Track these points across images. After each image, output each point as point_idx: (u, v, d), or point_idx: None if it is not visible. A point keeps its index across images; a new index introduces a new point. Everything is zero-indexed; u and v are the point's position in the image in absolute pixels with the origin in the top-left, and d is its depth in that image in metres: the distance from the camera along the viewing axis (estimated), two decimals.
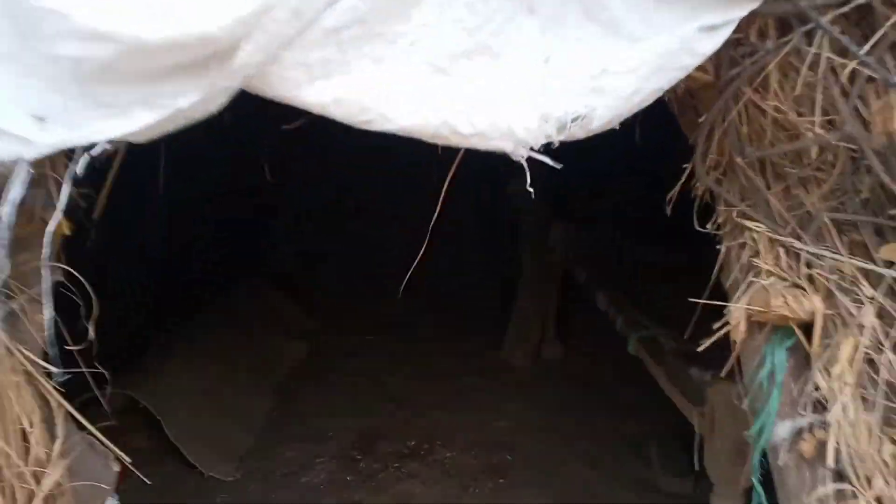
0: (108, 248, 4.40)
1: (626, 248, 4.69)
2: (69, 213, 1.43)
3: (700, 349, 1.65)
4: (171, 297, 5.29)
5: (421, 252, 1.85)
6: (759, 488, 1.60)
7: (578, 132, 1.34)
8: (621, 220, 4.88)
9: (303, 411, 4.31)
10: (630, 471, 3.71)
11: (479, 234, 6.95)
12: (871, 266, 1.45)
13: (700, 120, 1.62)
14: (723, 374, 1.70)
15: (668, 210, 1.77)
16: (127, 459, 1.52)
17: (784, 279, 1.51)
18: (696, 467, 2.62)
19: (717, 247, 1.71)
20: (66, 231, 1.40)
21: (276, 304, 5.58)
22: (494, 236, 6.98)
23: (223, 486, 3.53)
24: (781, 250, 1.53)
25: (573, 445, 3.95)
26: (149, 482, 3.49)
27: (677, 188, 1.74)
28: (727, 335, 1.64)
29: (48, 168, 1.36)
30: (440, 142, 1.26)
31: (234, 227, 6.24)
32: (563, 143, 1.39)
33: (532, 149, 1.22)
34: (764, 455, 1.59)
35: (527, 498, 3.47)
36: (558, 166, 1.24)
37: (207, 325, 4.65)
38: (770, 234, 1.53)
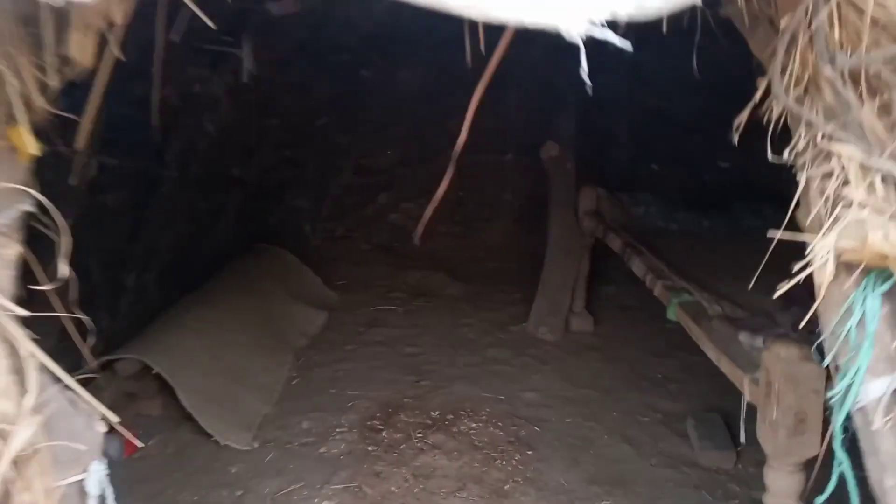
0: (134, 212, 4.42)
1: (662, 213, 4.45)
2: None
3: (775, 296, 1.42)
4: (190, 265, 5.17)
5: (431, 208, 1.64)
6: (844, 457, 1.39)
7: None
8: (658, 187, 4.65)
9: (322, 381, 4.16)
10: (665, 446, 3.51)
11: (510, 205, 6.76)
12: None
13: (781, 26, 1.39)
14: (800, 327, 1.47)
15: (735, 135, 1.53)
16: (114, 418, 1.33)
17: (880, 213, 1.28)
18: (742, 440, 2.42)
19: (794, 179, 1.48)
20: (34, 151, 1.21)
21: (295, 272, 5.41)
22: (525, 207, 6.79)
23: (239, 455, 3.39)
24: (878, 179, 1.30)
25: (603, 420, 3.75)
26: (163, 450, 3.52)
27: (747, 111, 1.51)
28: (790, 291, 1.42)
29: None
30: (477, 17, 1.04)
31: (256, 200, 6.08)
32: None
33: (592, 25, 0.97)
34: (847, 419, 1.38)
35: (556, 472, 3.28)
36: (628, 46, 1.01)
37: (223, 290, 4.49)
38: (863, 160, 1.30)
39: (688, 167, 6.01)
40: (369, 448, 3.44)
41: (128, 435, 1.62)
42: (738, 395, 4.00)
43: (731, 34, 1.73)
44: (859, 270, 1.33)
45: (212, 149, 4.73)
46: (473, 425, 3.63)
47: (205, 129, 4.48)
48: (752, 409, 3.73)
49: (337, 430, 3.60)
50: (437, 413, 3.76)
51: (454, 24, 1.12)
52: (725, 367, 2.40)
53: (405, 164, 6.74)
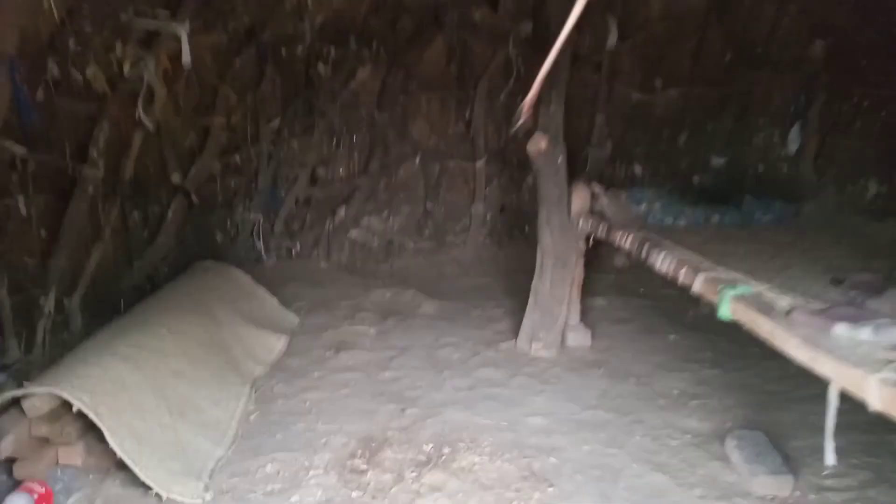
0: None
1: (669, 210, 3.99)
2: None
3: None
4: (121, 284, 4.41)
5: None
6: None
7: None
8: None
9: (287, 414, 3.47)
10: (706, 473, 2.95)
11: (482, 216, 6.21)
12: None
13: None
14: None
15: None
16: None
17: None
18: (831, 461, 1.90)
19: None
20: None
21: (248, 292, 4.71)
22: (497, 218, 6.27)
23: None
24: None
25: (626, 445, 3.18)
26: None
27: None
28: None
29: None
30: None
31: (201, 212, 5.36)
32: None
33: None
34: None
35: None
36: None
37: (163, 313, 3.76)
38: None
39: (671, 166, 5.60)
40: (353, 494, 2.77)
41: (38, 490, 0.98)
42: (777, 408, 3.59)
43: None
44: None
45: (147, 146, 4.03)
46: (477, 459, 3.01)
47: (136, 120, 3.79)
48: (804, 422, 3.27)
49: (310, 472, 2.92)
50: (430, 446, 3.12)
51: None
52: (829, 368, 1.87)
53: (366, 174, 6.14)
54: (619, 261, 6.02)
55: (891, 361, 1.71)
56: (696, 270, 2.74)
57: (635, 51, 5.32)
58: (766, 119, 4.69)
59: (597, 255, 4.34)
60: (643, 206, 4.08)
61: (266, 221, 6.05)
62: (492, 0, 5.47)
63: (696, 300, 5.13)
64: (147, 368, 3.13)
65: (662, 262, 3.03)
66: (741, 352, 4.17)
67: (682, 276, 2.81)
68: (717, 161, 5.06)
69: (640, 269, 5.96)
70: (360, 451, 3.09)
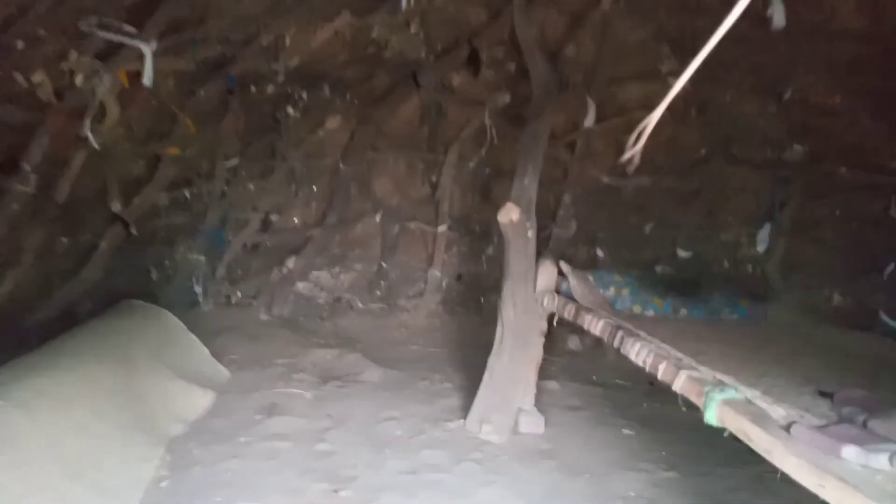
0: None
1: (638, 298, 3.82)
2: None
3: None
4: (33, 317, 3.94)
5: None
6: None
7: None
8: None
9: (202, 485, 3.04)
10: None
11: (438, 282, 5.96)
12: None
13: None
14: None
15: None
16: None
17: None
18: None
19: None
20: None
21: (177, 339, 4.28)
22: (453, 286, 6.03)
23: None
24: None
25: None
26: None
27: None
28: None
29: None
30: None
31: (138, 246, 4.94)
32: None
33: None
34: None
35: None
36: None
37: (74, 354, 3.32)
38: None
39: (635, 253, 5.51)
40: None
41: None
42: None
43: None
44: None
45: (88, 167, 3.67)
46: None
47: (81, 137, 3.44)
48: None
49: None
50: None
51: None
52: (841, 499, 1.64)
53: (321, 225, 5.85)
54: (573, 344, 5.83)
55: None
56: (677, 367, 2.52)
57: (610, 134, 5.30)
58: (735, 217, 4.66)
59: (550, 336, 4.13)
60: (611, 291, 3.91)
61: (208, 264, 5.66)
62: (473, 67, 5.40)
63: (650, 393, 5.02)
64: (44, 419, 2.69)
65: (638, 353, 2.81)
66: (696, 454, 3.95)
67: (662, 371, 2.59)
68: (683, 254, 4.99)
69: (594, 354, 5.90)
70: None
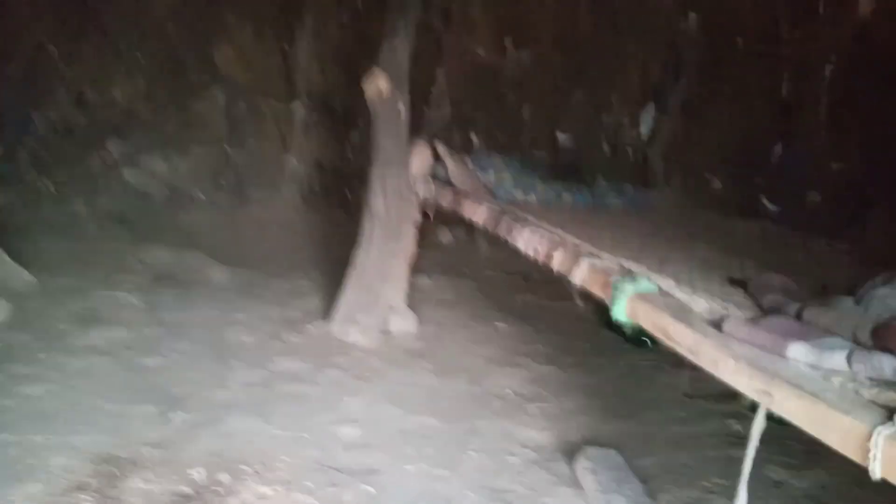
0: None
1: (521, 183, 3.43)
2: None
3: None
4: None
5: None
6: None
7: None
8: None
9: None
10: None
11: (295, 172, 5.25)
12: None
13: None
14: None
15: None
16: None
17: None
18: None
19: None
20: None
21: None
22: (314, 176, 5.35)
23: None
24: None
25: (459, 463, 2.54)
26: None
27: None
28: None
29: None
30: None
31: None
32: None
33: None
34: None
35: None
36: None
37: None
38: None
39: (513, 137, 5.09)
40: None
41: None
42: (618, 415, 3.17)
43: None
44: None
45: None
46: (266, 491, 2.18)
47: None
48: (650, 433, 2.88)
49: None
50: (200, 472, 2.22)
51: None
52: (791, 405, 1.32)
53: (151, 101, 4.90)
54: (445, 237, 5.45)
55: (893, 406, 1.19)
56: (575, 254, 2.14)
57: (489, 2, 4.71)
58: (620, 96, 4.33)
59: (422, 228, 3.70)
60: (490, 176, 3.48)
61: (7, 150, 4.60)
62: None
63: (524, 286, 4.79)
64: None
65: (528, 241, 2.41)
66: (571, 346, 3.78)
67: (558, 260, 2.21)
68: (563, 137, 4.64)
69: (466, 247, 5.56)
70: (92, 482, 2.10)
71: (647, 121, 4.17)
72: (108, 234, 4.54)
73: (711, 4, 3.67)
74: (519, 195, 3.41)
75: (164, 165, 5.11)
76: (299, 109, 5.18)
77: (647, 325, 1.77)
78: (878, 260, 2.59)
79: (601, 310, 3.01)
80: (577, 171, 3.84)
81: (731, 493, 2.44)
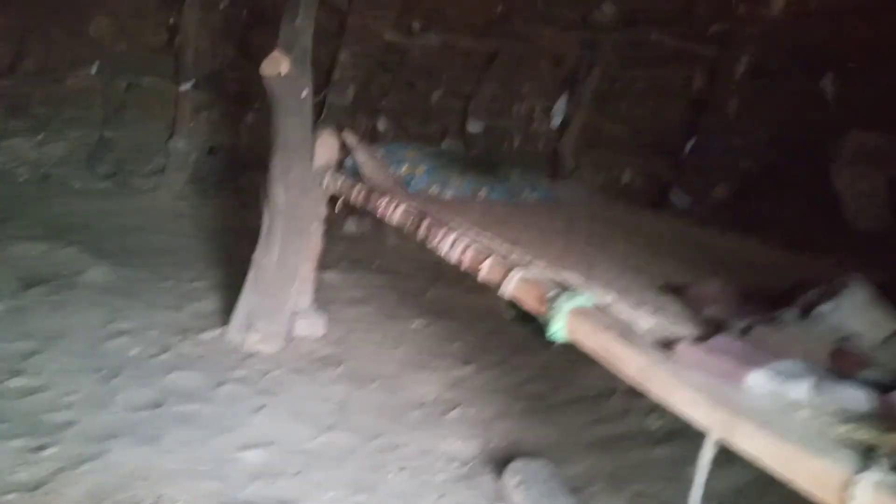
0: None
1: (436, 175, 3.25)
2: None
3: None
4: None
5: None
6: None
7: None
8: None
9: None
10: None
11: (184, 156, 4.78)
12: None
13: None
14: None
15: None
16: None
17: None
18: None
19: None
20: None
21: None
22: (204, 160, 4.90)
23: None
24: None
25: (378, 486, 2.37)
26: None
27: None
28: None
29: None
30: None
31: None
32: None
33: None
34: None
35: None
36: None
37: None
38: None
39: (421, 124, 4.88)
40: None
41: None
42: (541, 419, 3.08)
43: None
44: None
45: None
46: None
47: None
48: (573, 437, 2.82)
49: None
50: None
51: None
52: (755, 443, 1.22)
53: (10, 76, 4.30)
54: (352, 226, 5.19)
55: (871, 447, 1.11)
56: (505, 266, 1.99)
57: None
58: (532, 85, 4.22)
59: (328, 219, 3.46)
60: (403, 169, 3.27)
61: None
62: None
63: (435, 278, 4.63)
64: None
65: (452, 247, 2.23)
66: (487, 344, 3.68)
67: (486, 270, 2.04)
68: (475, 127, 4.49)
69: (375, 237, 5.33)
70: None
71: (559, 111, 4.09)
72: None
73: None
74: (434, 190, 3.23)
75: (30, 148, 4.53)
76: (187, 89, 4.72)
77: (591, 347, 1.64)
78: (798, 259, 2.62)
79: (515, 304, 2.92)
80: (491, 164, 3.70)
81: (661, 497, 2.44)
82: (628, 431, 2.90)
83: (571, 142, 4.05)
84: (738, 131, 3.31)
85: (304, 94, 3.13)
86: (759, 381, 1.34)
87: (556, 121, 4.10)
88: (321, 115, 4.77)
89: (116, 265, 3.85)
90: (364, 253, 4.85)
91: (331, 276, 4.25)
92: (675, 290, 1.98)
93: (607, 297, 1.76)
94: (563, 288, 1.78)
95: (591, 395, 3.21)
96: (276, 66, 3.02)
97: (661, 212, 3.49)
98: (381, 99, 4.90)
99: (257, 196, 3.41)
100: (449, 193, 3.26)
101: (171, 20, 4.59)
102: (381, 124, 4.91)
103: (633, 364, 1.51)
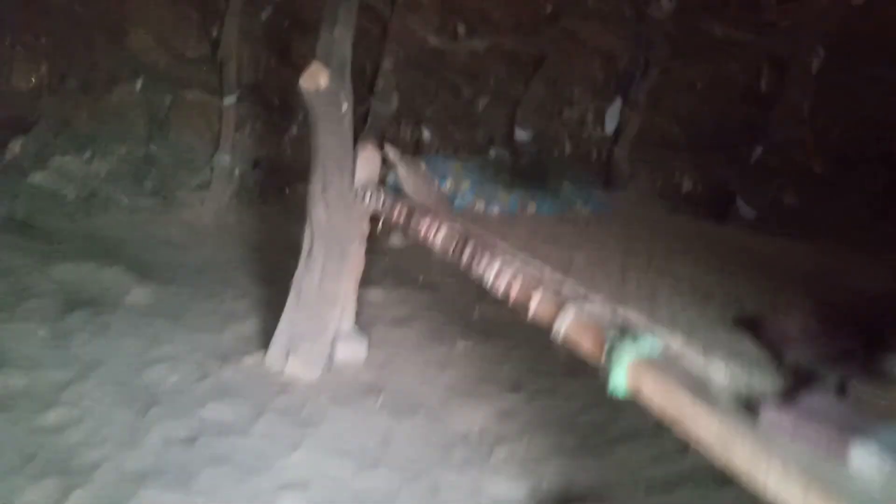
0: None
1: (482, 191, 3.05)
2: None
3: None
4: None
5: None
6: None
7: None
8: None
9: None
10: None
11: (229, 170, 4.72)
12: None
13: None
14: None
15: None
16: None
17: None
18: None
19: None
20: None
21: None
22: (250, 174, 4.83)
23: None
24: None
25: None
26: None
27: None
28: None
29: None
30: None
31: None
32: None
33: None
34: None
35: None
36: None
37: None
38: None
39: (466, 132, 4.69)
40: None
41: None
42: (596, 453, 2.82)
43: None
44: None
45: None
46: None
47: None
48: (631, 473, 2.60)
49: None
50: None
51: None
52: None
53: (55, 94, 4.31)
54: (396, 239, 5.05)
55: None
56: (557, 299, 1.79)
57: None
58: (583, 88, 3.98)
59: (371, 236, 3.31)
60: (448, 184, 3.09)
61: None
62: None
63: (484, 292, 4.45)
64: None
65: (499, 275, 2.04)
66: (539, 367, 3.47)
67: (536, 305, 1.85)
68: (522, 134, 4.27)
69: (419, 250, 5.17)
70: None
71: (613, 116, 3.83)
72: (11, 246, 3.96)
73: None
74: (479, 207, 3.04)
75: (78, 166, 4.54)
76: (231, 102, 4.65)
77: (658, 406, 1.43)
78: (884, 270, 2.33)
79: None
80: (541, 174, 3.48)
81: None
82: (687, 471, 2.65)
83: (626, 148, 3.80)
84: (810, 130, 3.01)
85: (344, 108, 2.99)
86: (864, 455, 1.12)
87: (610, 127, 3.85)
88: (365, 124, 4.63)
89: (160, 284, 3.79)
90: (409, 266, 4.70)
91: (374, 293, 4.11)
92: (751, 325, 1.75)
93: (674, 342, 1.54)
94: (623, 330, 1.57)
95: (649, 426, 2.96)
96: (315, 79, 2.88)
97: (726, 223, 3.21)
98: (425, 107, 4.74)
99: (303, 209, 3.29)
100: (495, 209, 3.06)
101: (212, 32, 4.53)
102: (426, 133, 4.75)
103: (710, 430, 1.30)
